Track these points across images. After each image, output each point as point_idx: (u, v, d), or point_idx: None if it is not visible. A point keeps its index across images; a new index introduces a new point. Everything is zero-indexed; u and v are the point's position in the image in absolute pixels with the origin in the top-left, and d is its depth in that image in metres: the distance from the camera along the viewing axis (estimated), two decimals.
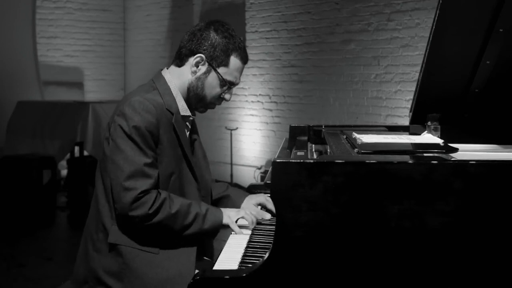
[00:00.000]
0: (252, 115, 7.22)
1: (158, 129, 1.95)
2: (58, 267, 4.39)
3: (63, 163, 6.64)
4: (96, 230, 2.02)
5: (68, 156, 6.23)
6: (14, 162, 5.77)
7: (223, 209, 2.08)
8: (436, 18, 1.97)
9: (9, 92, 7.13)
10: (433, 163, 1.60)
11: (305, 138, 2.60)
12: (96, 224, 2.03)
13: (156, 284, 1.92)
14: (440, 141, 2.07)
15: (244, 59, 2.08)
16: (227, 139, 7.34)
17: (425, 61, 2.09)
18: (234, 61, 2.04)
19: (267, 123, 7.06)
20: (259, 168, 6.97)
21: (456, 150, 1.91)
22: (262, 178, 6.77)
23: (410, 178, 1.58)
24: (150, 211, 1.89)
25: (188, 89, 2.06)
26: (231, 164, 7.14)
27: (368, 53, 5.96)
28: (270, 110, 7.02)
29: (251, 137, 7.23)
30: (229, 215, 2.06)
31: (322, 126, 2.65)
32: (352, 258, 1.61)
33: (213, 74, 2.04)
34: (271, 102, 7.01)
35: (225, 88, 2.07)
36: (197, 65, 2.04)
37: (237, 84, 2.10)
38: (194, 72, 2.05)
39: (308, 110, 6.62)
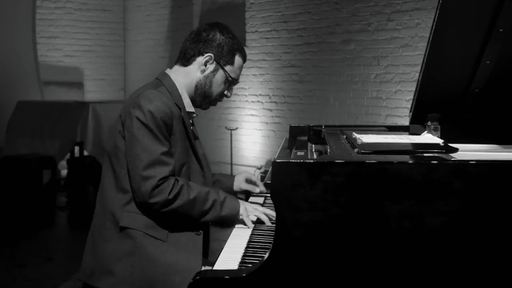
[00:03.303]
0: (252, 115, 7.22)
1: (172, 120, 2.03)
2: (58, 267, 4.39)
3: (63, 163, 6.64)
4: (103, 221, 2.06)
5: (68, 156, 6.23)
6: (14, 162, 5.77)
7: (240, 201, 2.15)
8: (436, 18, 1.97)
9: (9, 92, 7.13)
10: (433, 163, 1.60)
11: (305, 138, 2.60)
12: (103, 216, 2.07)
13: (166, 268, 1.97)
14: (440, 141, 2.07)
15: (245, 58, 2.23)
16: (227, 139, 7.34)
17: (425, 61, 2.08)
18: (238, 59, 2.18)
19: (267, 123, 7.06)
20: (259, 168, 6.97)
21: (456, 150, 1.90)
22: (262, 178, 6.72)
23: (410, 178, 1.58)
24: (170, 197, 1.95)
25: (196, 86, 2.16)
26: (231, 164, 7.14)
27: (368, 53, 5.96)
28: (270, 110, 7.02)
29: (251, 137, 7.23)
30: (245, 208, 2.14)
31: (322, 126, 2.66)
32: (352, 258, 1.61)
33: (220, 72, 2.15)
34: (271, 102, 7.01)
35: (227, 85, 2.19)
36: (205, 64, 2.14)
37: (238, 81, 2.23)
38: (203, 71, 2.15)
39: (308, 110, 6.62)
